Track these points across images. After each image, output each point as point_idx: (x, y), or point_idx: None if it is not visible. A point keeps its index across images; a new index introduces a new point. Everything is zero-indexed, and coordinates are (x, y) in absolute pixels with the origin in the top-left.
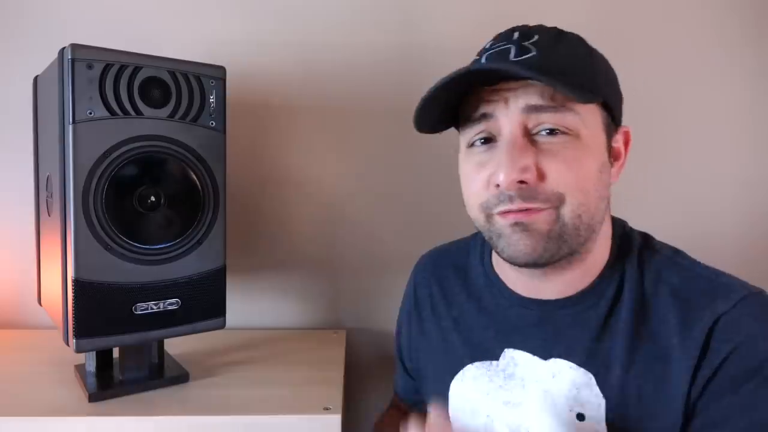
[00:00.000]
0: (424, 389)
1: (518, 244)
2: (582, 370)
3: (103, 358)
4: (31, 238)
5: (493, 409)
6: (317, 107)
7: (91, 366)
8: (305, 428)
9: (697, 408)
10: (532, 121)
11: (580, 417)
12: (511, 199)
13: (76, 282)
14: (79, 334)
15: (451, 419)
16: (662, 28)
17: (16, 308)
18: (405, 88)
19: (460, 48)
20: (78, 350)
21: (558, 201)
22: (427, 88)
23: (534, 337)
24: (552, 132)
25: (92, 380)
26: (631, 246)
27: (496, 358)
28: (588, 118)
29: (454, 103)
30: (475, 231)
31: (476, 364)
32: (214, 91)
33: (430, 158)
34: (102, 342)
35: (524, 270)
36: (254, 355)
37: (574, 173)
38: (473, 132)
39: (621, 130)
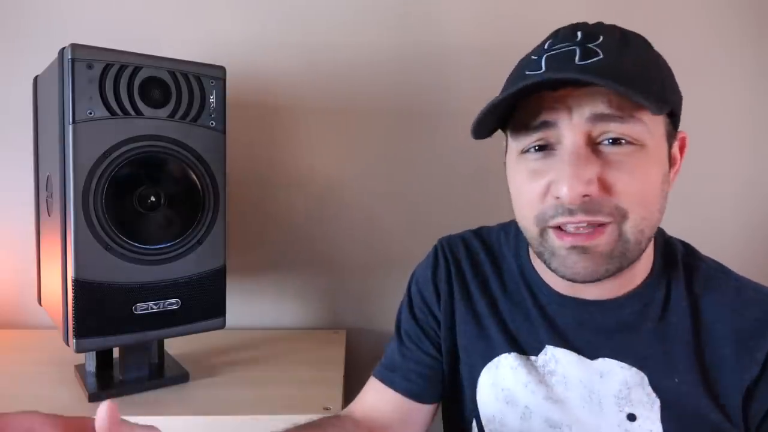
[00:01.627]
0: (448, 366)
1: (575, 266)
2: (634, 369)
3: (103, 358)
4: (31, 238)
5: (532, 402)
6: (317, 107)
7: (91, 366)
8: None
9: (754, 397)
10: (597, 129)
11: (631, 417)
12: (571, 212)
13: (76, 282)
14: (79, 334)
15: (478, 404)
16: (662, 28)
17: (16, 308)
18: (405, 88)
19: (461, 47)
20: (78, 350)
21: (621, 216)
22: (428, 87)
23: (578, 336)
24: (616, 141)
25: (92, 380)
26: (674, 253)
27: (535, 354)
28: (653, 127)
29: (509, 109)
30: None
31: (513, 354)
32: (214, 91)
33: (430, 158)
34: (102, 342)
35: None
36: (254, 355)
37: (639, 186)
38: (531, 139)
39: (678, 135)
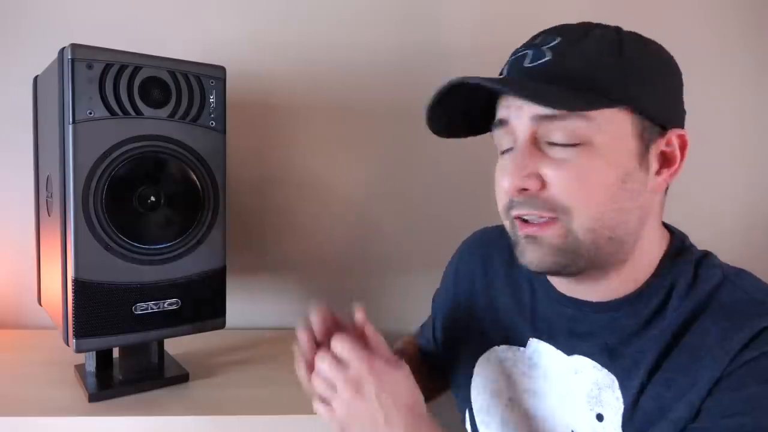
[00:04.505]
0: (448, 358)
1: (528, 254)
2: (605, 371)
3: (103, 358)
4: (31, 238)
5: (514, 394)
6: (317, 107)
7: (91, 366)
8: (305, 428)
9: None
10: (542, 129)
11: (599, 417)
12: (519, 205)
13: (76, 282)
14: (78, 334)
15: (471, 398)
16: (662, 29)
17: (16, 308)
18: (406, 88)
19: (462, 47)
20: (78, 350)
21: (563, 212)
22: (428, 88)
23: (561, 332)
24: (558, 140)
25: (92, 380)
26: (686, 261)
27: (524, 345)
28: (606, 124)
29: (487, 108)
30: None
31: (503, 347)
32: (214, 91)
33: (430, 158)
34: (102, 342)
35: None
36: (254, 355)
37: (580, 183)
38: (497, 137)
39: (674, 133)
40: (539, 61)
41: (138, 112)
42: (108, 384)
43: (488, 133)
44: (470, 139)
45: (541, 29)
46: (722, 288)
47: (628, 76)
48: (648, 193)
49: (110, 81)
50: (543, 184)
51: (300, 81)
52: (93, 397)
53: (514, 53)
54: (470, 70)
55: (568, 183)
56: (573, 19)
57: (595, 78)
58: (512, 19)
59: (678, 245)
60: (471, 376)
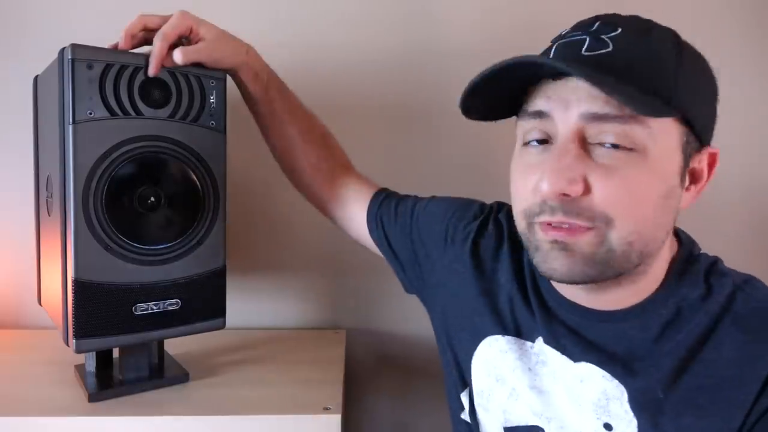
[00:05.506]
0: (443, 323)
1: (554, 262)
2: (615, 382)
3: (103, 358)
4: (31, 238)
5: (519, 387)
6: (317, 107)
7: (91, 366)
8: (305, 428)
9: None
10: (593, 129)
11: (607, 426)
12: (552, 210)
13: (76, 282)
14: (78, 334)
15: (471, 376)
16: None
17: (16, 308)
18: (406, 88)
19: (462, 47)
20: (78, 350)
21: (605, 223)
22: (428, 87)
23: (568, 338)
24: (612, 144)
25: (92, 380)
26: (695, 270)
27: (532, 341)
28: (660, 134)
29: (516, 92)
30: None
31: (507, 338)
32: (214, 92)
33: (430, 158)
34: (102, 342)
35: None
36: (254, 355)
37: (629, 195)
38: (527, 126)
39: (707, 150)
40: (600, 51)
41: (138, 113)
42: (108, 384)
43: (494, 123)
44: (470, 138)
45: (541, 29)
46: (735, 298)
47: (686, 86)
48: (678, 210)
49: (110, 81)
50: (587, 191)
51: (300, 81)
52: (93, 397)
53: (562, 36)
54: (470, 70)
55: (616, 193)
56: (576, 20)
57: (660, 82)
58: (512, 19)
59: (686, 255)
60: (471, 358)
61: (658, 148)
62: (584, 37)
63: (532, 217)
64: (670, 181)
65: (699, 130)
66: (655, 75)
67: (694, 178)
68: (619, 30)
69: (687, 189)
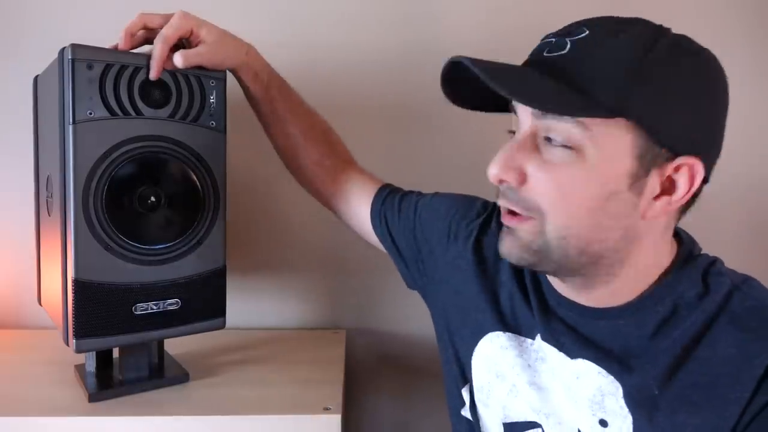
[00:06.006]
0: (441, 309)
1: (501, 244)
2: (611, 378)
3: (103, 358)
4: (31, 238)
5: (519, 383)
6: (317, 107)
7: (91, 366)
8: (305, 428)
9: None
10: (543, 124)
11: (603, 423)
12: (500, 195)
13: (76, 282)
14: (78, 334)
15: (472, 371)
16: None
17: (16, 308)
18: (406, 88)
19: (463, 47)
20: (78, 350)
21: (539, 214)
22: (429, 87)
23: (566, 335)
24: (549, 140)
25: (92, 380)
26: (693, 269)
27: (532, 338)
28: (604, 137)
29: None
30: None
31: (507, 335)
32: (214, 92)
33: (431, 158)
34: (102, 342)
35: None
36: (254, 355)
37: (558, 190)
38: (514, 119)
39: (683, 160)
40: (556, 53)
41: (138, 113)
42: (108, 384)
43: (493, 123)
44: (470, 138)
45: (541, 29)
46: (732, 297)
47: (639, 90)
48: (636, 216)
49: (110, 81)
50: (524, 181)
51: (300, 81)
52: (93, 397)
53: (544, 38)
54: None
55: (547, 187)
56: (575, 20)
57: (599, 84)
58: (512, 20)
59: (685, 255)
60: (472, 353)
61: (599, 151)
62: (553, 39)
63: (498, 198)
64: (612, 186)
65: (665, 138)
66: (596, 76)
67: (667, 188)
68: (586, 32)
69: (656, 198)
